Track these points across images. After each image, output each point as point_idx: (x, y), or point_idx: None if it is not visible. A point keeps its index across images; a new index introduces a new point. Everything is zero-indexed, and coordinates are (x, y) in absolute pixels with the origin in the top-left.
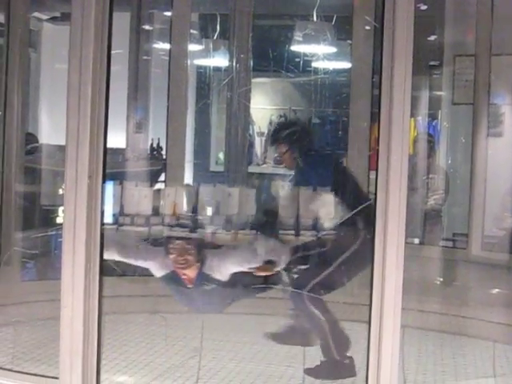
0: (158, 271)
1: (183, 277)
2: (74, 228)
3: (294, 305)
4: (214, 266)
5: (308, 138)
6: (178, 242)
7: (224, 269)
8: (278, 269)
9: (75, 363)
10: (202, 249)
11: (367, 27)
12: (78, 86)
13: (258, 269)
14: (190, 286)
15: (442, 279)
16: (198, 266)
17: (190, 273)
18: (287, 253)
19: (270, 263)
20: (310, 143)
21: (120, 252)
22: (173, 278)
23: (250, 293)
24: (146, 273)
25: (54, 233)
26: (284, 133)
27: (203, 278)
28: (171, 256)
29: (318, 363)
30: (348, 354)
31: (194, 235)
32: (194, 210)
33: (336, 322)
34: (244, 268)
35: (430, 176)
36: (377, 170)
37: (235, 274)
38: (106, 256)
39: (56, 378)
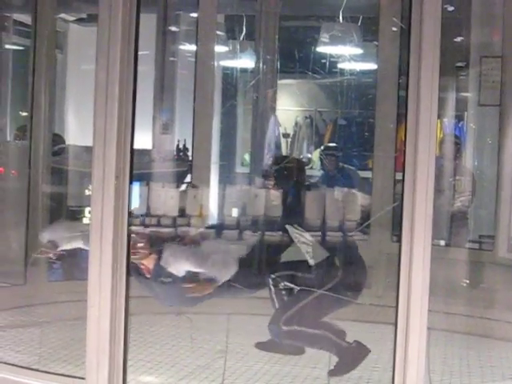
0: None
1: (141, 266)
2: (101, 228)
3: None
4: (171, 261)
5: (300, 175)
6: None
7: (178, 265)
8: (218, 285)
9: (102, 363)
10: (161, 242)
11: (394, 28)
12: (105, 86)
13: (192, 289)
14: (148, 276)
15: (468, 281)
16: (154, 258)
17: (147, 263)
18: (233, 266)
19: (209, 281)
20: (301, 179)
21: None
22: (134, 268)
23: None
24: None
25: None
26: (274, 168)
27: (160, 271)
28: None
29: (335, 363)
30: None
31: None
32: (220, 211)
33: (327, 323)
34: (196, 269)
35: (457, 178)
36: (403, 171)
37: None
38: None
39: (82, 378)
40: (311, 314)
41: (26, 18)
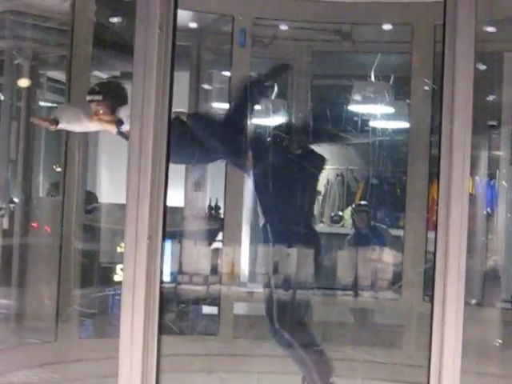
0: None
1: None
2: (134, 286)
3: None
4: None
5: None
6: None
7: None
8: None
9: None
10: None
11: (426, 87)
12: (139, 145)
13: None
14: None
15: (501, 341)
16: None
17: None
18: None
19: None
20: None
21: None
22: None
23: None
24: (205, 331)
25: (112, 292)
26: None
27: None
28: None
29: None
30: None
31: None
32: (252, 269)
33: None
34: None
35: (489, 237)
36: (436, 230)
37: None
38: None
39: None
40: None
41: (61, 75)
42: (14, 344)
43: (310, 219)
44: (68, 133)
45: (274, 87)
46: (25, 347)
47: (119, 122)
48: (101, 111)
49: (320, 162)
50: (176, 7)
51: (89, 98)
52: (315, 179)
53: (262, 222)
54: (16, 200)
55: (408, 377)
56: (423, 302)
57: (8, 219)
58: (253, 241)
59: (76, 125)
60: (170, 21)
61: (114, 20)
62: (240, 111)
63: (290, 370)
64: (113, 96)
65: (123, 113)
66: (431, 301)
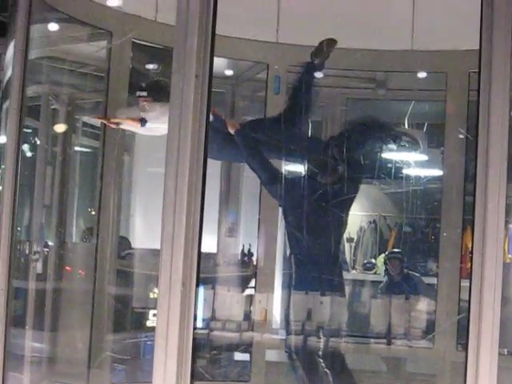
0: None
1: None
2: (167, 333)
3: None
4: None
5: None
6: None
7: None
8: None
9: None
10: None
11: (460, 135)
12: (174, 193)
13: None
14: None
15: None
16: None
17: None
18: None
19: None
20: None
21: None
22: None
23: None
24: (237, 378)
25: (145, 337)
26: None
27: None
28: None
29: None
30: None
31: None
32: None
33: None
34: None
35: None
36: (470, 279)
37: None
38: None
39: None
40: None
41: (96, 121)
42: None
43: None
44: (102, 177)
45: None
46: None
47: (142, 121)
48: (146, 106)
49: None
50: (212, 55)
51: (137, 94)
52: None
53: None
54: (50, 244)
55: None
56: (456, 351)
57: (42, 263)
58: (284, 287)
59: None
60: (206, 68)
61: (150, 67)
62: (294, 112)
63: None
64: (155, 93)
65: (159, 108)
66: (465, 350)
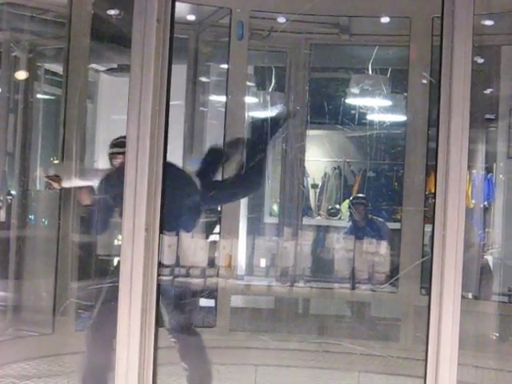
0: None
1: None
2: (131, 280)
3: None
4: None
5: None
6: None
7: None
8: None
9: None
10: None
11: (423, 81)
12: (136, 139)
13: None
14: None
15: (497, 334)
16: None
17: None
18: None
19: None
20: None
21: None
22: None
23: None
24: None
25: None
26: None
27: None
28: None
29: None
30: None
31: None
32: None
33: None
34: None
35: (486, 230)
36: (433, 223)
37: None
38: None
39: None
40: None
41: (58, 68)
42: (12, 336)
43: None
44: (65, 125)
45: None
46: (22, 339)
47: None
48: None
49: None
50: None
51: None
52: None
53: None
54: (13, 192)
55: (405, 370)
56: (420, 294)
57: (5, 212)
58: (249, 233)
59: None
60: (167, 13)
61: (112, 12)
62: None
63: (285, 363)
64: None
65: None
66: (428, 293)
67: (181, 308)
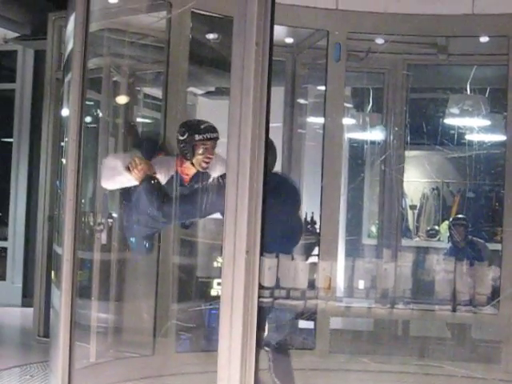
0: None
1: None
2: (232, 301)
3: None
4: None
5: None
6: None
7: None
8: None
9: None
10: None
11: None
12: (236, 162)
13: None
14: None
15: None
16: None
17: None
18: None
19: None
20: None
21: None
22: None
23: None
24: (302, 346)
25: (210, 306)
26: None
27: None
28: None
29: None
30: None
31: None
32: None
33: None
34: None
35: None
36: None
37: None
38: None
39: None
40: None
41: (157, 92)
42: (113, 358)
43: None
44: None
45: None
46: (123, 361)
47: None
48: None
49: None
50: (272, 23)
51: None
52: None
53: None
54: (114, 215)
55: None
56: None
57: (106, 234)
58: (347, 254)
59: None
60: (266, 36)
61: (211, 36)
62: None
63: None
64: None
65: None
66: None
67: (281, 329)
